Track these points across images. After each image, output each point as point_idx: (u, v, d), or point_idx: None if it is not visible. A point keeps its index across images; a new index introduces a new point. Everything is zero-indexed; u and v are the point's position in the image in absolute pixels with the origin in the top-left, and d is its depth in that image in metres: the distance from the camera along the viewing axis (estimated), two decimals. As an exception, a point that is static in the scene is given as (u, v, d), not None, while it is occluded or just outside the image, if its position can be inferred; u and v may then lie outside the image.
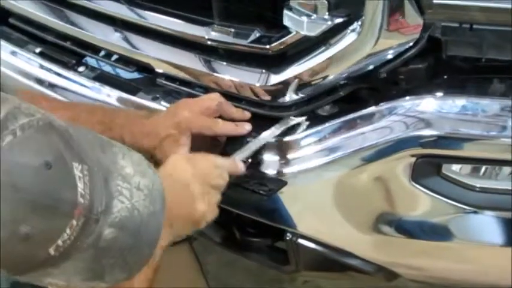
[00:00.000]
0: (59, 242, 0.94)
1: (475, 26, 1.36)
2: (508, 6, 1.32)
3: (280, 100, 1.53)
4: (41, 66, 1.86)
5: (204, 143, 1.50)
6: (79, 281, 1.04)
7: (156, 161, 1.44)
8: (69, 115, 1.48)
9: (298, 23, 1.42)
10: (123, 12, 1.68)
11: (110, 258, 1.03)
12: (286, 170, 1.53)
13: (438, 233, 1.51)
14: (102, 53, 1.80)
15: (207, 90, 1.63)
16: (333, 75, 1.47)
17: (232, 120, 1.53)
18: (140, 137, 1.46)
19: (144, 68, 1.74)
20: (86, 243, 0.98)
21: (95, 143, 1.05)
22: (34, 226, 0.91)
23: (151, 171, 1.12)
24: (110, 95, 1.75)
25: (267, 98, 1.53)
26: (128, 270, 1.10)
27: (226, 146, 1.54)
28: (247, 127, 1.52)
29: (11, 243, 0.91)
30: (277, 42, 1.48)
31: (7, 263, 0.94)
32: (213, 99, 1.52)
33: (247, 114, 1.55)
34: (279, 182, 1.51)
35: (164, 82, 1.70)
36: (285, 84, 1.50)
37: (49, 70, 1.84)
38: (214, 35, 1.55)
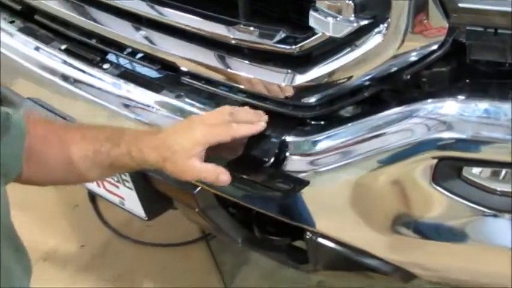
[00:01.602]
0: None
1: (499, 31, 1.36)
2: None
3: (305, 100, 1.53)
4: (66, 63, 1.86)
5: (225, 149, 1.51)
6: None
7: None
8: (79, 134, 1.53)
9: (324, 24, 1.42)
10: (149, 10, 1.68)
11: None
12: (308, 170, 1.53)
13: (457, 235, 1.51)
14: (127, 50, 1.81)
15: (230, 89, 1.64)
16: (357, 76, 1.47)
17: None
18: (148, 152, 1.47)
19: (168, 66, 1.74)
20: None
21: None
22: None
23: None
24: (133, 93, 1.76)
25: (292, 97, 1.54)
26: None
27: (248, 147, 1.55)
28: (263, 123, 1.52)
29: None
30: (303, 43, 1.48)
31: None
32: (225, 110, 1.53)
33: (262, 113, 1.55)
34: (301, 181, 1.52)
35: (188, 80, 1.70)
36: (310, 84, 1.50)
37: (74, 67, 1.85)
38: (239, 34, 1.56)
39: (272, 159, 1.54)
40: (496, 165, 1.44)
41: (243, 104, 1.60)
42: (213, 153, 1.47)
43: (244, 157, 1.54)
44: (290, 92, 1.53)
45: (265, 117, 1.53)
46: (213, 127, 1.47)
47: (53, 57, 1.89)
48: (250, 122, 1.52)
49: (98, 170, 1.55)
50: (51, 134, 1.53)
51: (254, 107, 1.58)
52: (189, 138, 1.45)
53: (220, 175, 1.45)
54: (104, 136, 1.52)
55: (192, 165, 1.44)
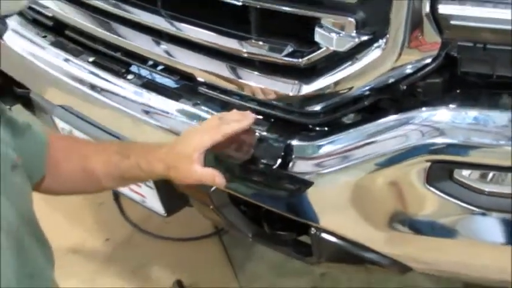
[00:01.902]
0: None
1: (488, 46, 1.35)
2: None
3: (310, 108, 1.53)
4: (94, 74, 1.87)
5: (235, 152, 1.53)
6: None
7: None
8: (93, 148, 1.58)
9: (328, 40, 1.43)
10: (168, 26, 1.69)
11: None
12: (313, 172, 1.53)
13: (448, 231, 1.50)
14: (149, 62, 1.81)
15: (242, 97, 1.64)
16: (358, 86, 1.47)
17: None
18: (155, 163, 1.48)
19: (186, 76, 1.74)
20: None
21: None
22: None
23: None
24: (154, 101, 1.76)
25: (298, 106, 1.54)
26: None
27: (256, 150, 1.55)
28: (250, 119, 1.51)
29: None
30: (309, 57, 1.48)
31: None
32: (214, 116, 1.56)
33: (249, 113, 1.53)
34: (306, 182, 1.53)
35: (205, 90, 1.71)
36: (315, 94, 1.51)
37: (100, 77, 1.85)
38: (251, 48, 1.56)
39: (279, 162, 1.54)
40: (484, 168, 1.43)
41: (255, 112, 1.59)
42: (225, 157, 1.48)
43: (254, 160, 1.54)
44: (297, 101, 1.54)
45: (253, 116, 1.52)
46: (205, 132, 1.48)
47: (81, 69, 1.89)
48: (237, 119, 1.51)
49: (111, 181, 1.57)
50: (69, 147, 1.56)
51: (264, 114, 1.58)
52: (187, 146, 1.46)
53: (216, 178, 1.45)
54: (114, 150, 1.54)
55: (194, 171, 1.45)
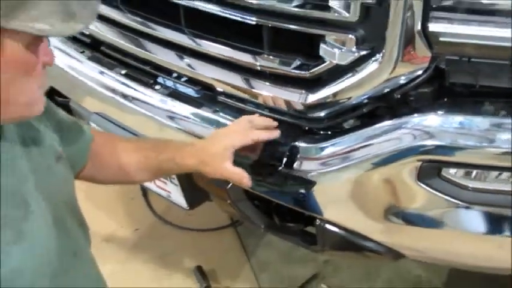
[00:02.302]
0: None
1: (472, 59, 1.36)
2: (498, 44, 1.33)
3: (315, 114, 1.53)
4: (125, 84, 1.87)
5: (248, 150, 1.52)
6: (58, 22, 1.04)
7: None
8: (133, 145, 1.58)
9: (331, 54, 1.43)
10: (190, 42, 1.69)
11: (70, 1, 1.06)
12: (317, 170, 1.54)
13: (437, 222, 1.50)
14: (174, 74, 1.82)
15: (256, 105, 1.65)
16: (357, 95, 1.47)
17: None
18: (188, 158, 1.49)
19: (206, 87, 1.74)
20: None
21: None
22: None
23: None
24: (178, 108, 1.76)
25: (305, 112, 1.54)
26: (87, 11, 1.10)
27: (265, 150, 1.55)
28: (278, 132, 1.53)
29: None
30: (314, 69, 1.49)
31: None
32: (244, 119, 1.55)
33: (275, 123, 1.55)
34: (310, 182, 1.54)
35: (223, 99, 1.71)
36: (319, 102, 1.51)
37: (131, 87, 1.86)
38: (263, 62, 1.56)
39: (287, 161, 1.55)
40: (468, 166, 1.43)
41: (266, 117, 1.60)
42: (240, 154, 1.49)
43: (264, 159, 1.55)
44: (303, 108, 1.54)
45: (275, 123, 1.55)
46: (236, 134, 1.49)
47: (114, 80, 1.90)
48: (266, 127, 1.53)
49: (146, 174, 1.57)
50: (111, 143, 1.57)
51: (274, 119, 1.58)
52: (219, 145, 1.47)
53: (243, 179, 1.46)
54: (152, 146, 1.55)
55: (225, 168, 1.45)
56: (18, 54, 1.04)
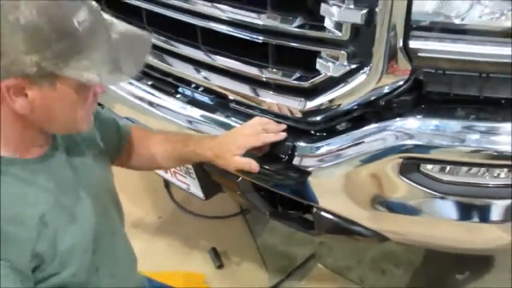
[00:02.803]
0: (79, 18, 0.98)
1: (446, 72, 1.36)
2: (468, 58, 1.33)
3: (313, 118, 1.53)
4: (151, 93, 1.88)
5: (257, 149, 1.53)
6: (105, 72, 1.03)
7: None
8: (162, 138, 1.59)
9: (326, 67, 1.43)
10: (206, 58, 1.69)
11: (120, 53, 1.05)
12: (314, 165, 1.54)
13: (416, 210, 1.50)
14: (192, 85, 1.82)
15: (262, 111, 1.64)
16: (348, 102, 1.47)
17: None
18: (207, 151, 1.50)
19: (220, 95, 1.74)
20: (99, 34, 1.02)
21: None
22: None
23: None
24: (196, 113, 1.77)
25: (304, 117, 1.54)
26: (132, 64, 1.10)
27: (271, 148, 1.56)
28: (284, 134, 1.54)
29: (50, 6, 0.94)
30: (311, 80, 1.49)
31: (51, 25, 0.95)
32: (259, 122, 1.56)
33: (283, 126, 1.56)
34: (307, 172, 1.54)
35: (234, 106, 1.71)
36: (316, 108, 1.51)
37: (156, 96, 1.86)
38: (268, 74, 1.56)
39: (289, 159, 1.55)
40: (443, 162, 1.43)
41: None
42: (249, 151, 1.50)
43: (270, 157, 1.55)
44: (302, 113, 1.54)
45: (283, 127, 1.56)
46: (249, 137, 1.51)
47: (142, 90, 1.90)
48: (275, 131, 1.54)
49: (171, 162, 1.60)
50: (145, 136, 1.59)
51: (278, 123, 1.58)
52: (233, 144, 1.49)
53: (251, 164, 1.49)
54: (178, 139, 1.56)
55: (235, 160, 1.48)
56: (69, 94, 1.05)
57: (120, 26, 1.09)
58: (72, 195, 1.20)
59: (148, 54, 1.18)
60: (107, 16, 1.12)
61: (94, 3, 1.05)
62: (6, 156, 1.09)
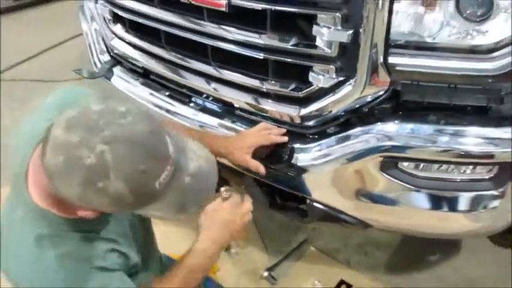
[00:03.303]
0: (161, 179, 0.94)
1: (420, 83, 1.36)
2: (438, 72, 1.33)
3: (306, 123, 1.54)
4: (168, 102, 1.87)
5: (261, 148, 1.52)
6: (171, 212, 1.03)
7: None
8: (184, 130, 1.54)
9: (318, 80, 1.44)
10: (215, 72, 1.68)
11: (189, 196, 1.03)
12: (307, 163, 1.54)
13: (394, 201, 1.51)
14: (204, 95, 1.81)
15: (263, 117, 1.64)
16: (336, 109, 1.47)
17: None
18: (221, 147, 1.48)
19: (227, 104, 1.74)
20: (175, 184, 0.98)
21: (177, 134, 1.06)
22: (148, 165, 0.92)
23: (206, 149, 1.13)
24: (206, 119, 1.76)
25: (299, 122, 1.54)
26: (197, 205, 1.10)
27: (274, 149, 1.55)
28: (286, 137, 1.54)
29: (135, 175, 0.91)
30: (305, 91, 1.49)
31: (135, 194, 0.93)
32: (265, 126, 1.56)
33: (284, 130, 1.56)
34: (302, 169, 1.54)
35: (240, 112, 1.71)
36: (309, 114, 1.51)
37: (173, 104, 1.85)
38: (268, 86, 1.56)
39: (287, 158, 1.55)
40: (417, 160, 1.43)
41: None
42: (256, 150, 1.50)
43: (271, 157, 1.55)
44: (298, 119, 1.54)
45: (284, 131, 1.55)
46: (258, 136, 1.51)
47: (160, 99, 1.89)
48: (278, 134, 1.54)
49: None
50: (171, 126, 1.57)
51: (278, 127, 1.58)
52: (245, 143, 1.49)
53: (259, 168, 1.48)
54: (197, 134, 1.53)
55: (245, 159, 1.47)
56: None
57: (192, 167, 1.03)
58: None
59: (213, 193, 1.14)
60: (191, 148, 1.08)
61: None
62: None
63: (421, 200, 1.48)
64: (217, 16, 1.55)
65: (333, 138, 1.50)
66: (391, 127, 1.42)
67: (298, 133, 1.56)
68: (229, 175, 1.77)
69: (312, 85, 1.46)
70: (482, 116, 1.38)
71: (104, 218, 1.12)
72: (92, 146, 0.89)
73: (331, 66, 1.40)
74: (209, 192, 1.11)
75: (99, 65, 2.14)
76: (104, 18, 2.06)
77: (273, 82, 1.55)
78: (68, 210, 1.03)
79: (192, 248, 1.28)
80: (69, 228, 1.06)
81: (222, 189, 1.31)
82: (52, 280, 1.04)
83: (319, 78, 1.43)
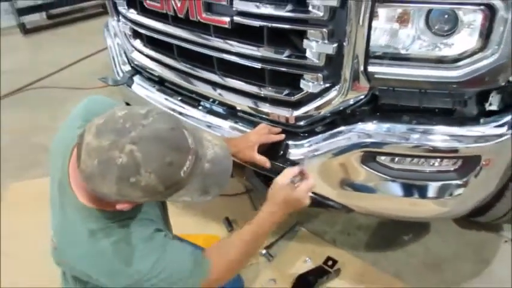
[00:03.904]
0: (185, 168, 0.94)
1: (396, 89, 1.36)
2: (410, 79, 1.32)
3: (298, 123, 1.53)
4: (180, 106, 1.86)
5: (262, 145, 1.51)
6: (196, 196, 1.03)
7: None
8: None
9: (307, 86, 1.43)
10: (219, 80, 1.67)
11: (209, 180, 1.03)
12: (299, 157, 1.53)
13: (373, 189, 1.50)
14: (211, 99, 1.80)
15: (261, 118, 1.63)
16: (323, 111, 1.46)
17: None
18: (231, 147, 1.43)
19: (231, 107, 1.73)
20: (197, 171, 0.98)
21: (194, 128, 1.08)
22: (173, 157, 0.92)
23: (220, 138, 1.15)
24: (213, 120, 1.74)
25: (292, 122, 1.53)
26: (218, 187, 1.08)
27: (272, 146, 1.54)
28: (283, 136, 1.53)
29: (163, 167, 0.91)
30: (297, 96, 1.48)
31: (164, 184, 0.93)
32: (264, 127, 1.54)
33: (279, 129, 1.55)
34: (295, 162, 1.52)
35: (241, 114, 1.70)
36: (301, 115, 1.50)
37: (184, 108, 1.84)
38: (266, 91, 1.55)
39: (282, 153, 1.54)
40: (392, 155, 1.43)
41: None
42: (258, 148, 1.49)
43: (269, 151, 1.54)
44: (291, 120, 1.53)
45: (279, 129, 1.54)
46: (260, 135, 1.50)
47: (173, 103, 1.88)
48: (276, 133, 1.53)
49: None
50: None
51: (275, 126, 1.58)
52: (249, 141, 1.48)
53: (266, 163, 1.47)
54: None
55: (253, 155, 1.46)
56: None
57: (209, 154, 1.03)
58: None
59: (229, 177, 1.13)
60: (206, 138, 1.07)
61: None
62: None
63: (396, 188, 1.47)
64: (221, 32, 1.54)
65: (321, 136, 1.49)
66: (370, 126, 1.41)
67: (291, 132, 1.56)
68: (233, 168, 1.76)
69: (303, 91, 1.46)
70: (448, 116, 1.38)
71: (140, 207, 1.12)
72: (121, 146, 0.89)
73: (319, 75, 1.39)
74: (226, 174, 1.10)
75: (121, 74, 2.13)
76: (125, 34, 2.06)
77: (269, 88, 1.54)
78: (108, 205, 1.03)
79: (259, 212, 1.29)
80: (114, 220, 1.06)
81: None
82: (114, 265, 1.04)
83: (309, 84, 1.42)
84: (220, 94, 1.72)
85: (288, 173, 1.32)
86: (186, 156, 0.94)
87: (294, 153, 1.52)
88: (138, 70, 2.10)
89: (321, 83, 1.40)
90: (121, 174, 0.90)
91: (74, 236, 1.07)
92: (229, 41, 1.53)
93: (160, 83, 2.00)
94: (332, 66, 1.37)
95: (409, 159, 1.42)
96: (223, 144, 1.11)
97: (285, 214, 1.29)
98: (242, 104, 1.65)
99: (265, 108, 1.58)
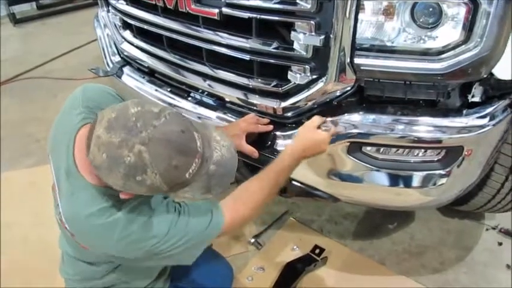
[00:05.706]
0: (190, 170, 0.95)
1: (381, 80, 1.36)
2: (394, 71, 1.32)
3: (286, 114, 1.52)
4: (170, 97, 1.84)
5: (250, 135, 1.51)
6: (199, 194, 1.04)
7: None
8: None
9: (295, 78, 1.43)
10: (209, 71, 1.66)
11: (213, 180, 1.05)
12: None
13: (359, 179, 1.50)
14: (200, 90, 1.79)
15: (250, 109, 1.62)
16: (310, 103, 1.46)
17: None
18: None
19: (220, 98, 1.72)
20: (202, 173, 1.00)
21: (204, 127, 1.07)
22: (180, 161, 0.93)
23: (229, 138, 1.14)
24: (203, 111, 1.73)
25: (280, 113, 1.53)
26: (221, 187, 1.10)
27: (260, 136, 1.54)
28: (271, 126, 1.53)
29: (169, 170, 0.92)
30: (284, 87, 1.48)
31: (168, 184, 0.94)
32: (252, 116, 1.54)
33: (268, 120, 1.55)
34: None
35: (230, 105, 1.69)
36: (288, 106, 1.50)
37: (174, 99, 1.83)
38: (254, 83, 1.54)
39: (270, 143, 1.54)
40: (378, 145, 1.43)
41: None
42: (245, 137, 1.49)
43: (257, 140, 1.54)
44: (279, 111, 1.53)
45: (268, 120, 1.55)
46: (248, 124, 1.50)
47: (163, 94, 1.87)
48: (264, 123, 1.53)
49: None
50: None
51: (262, 117, 1.58)
52: (237, 129, 1.48)
53: (254, 153, 1.48)
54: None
55: (241, 144, 1.47)
56: None
57: (216, 156, 1.04)
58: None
59: (233, 179, 1.14)
60: (215, 138, 1.08)
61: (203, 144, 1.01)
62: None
63: (381, 178, 1.48)
64: (211, 24, 1.53)
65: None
66: (356, 117, 1.41)
67: (279, 122, 1.56)
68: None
69: (290, 82, 1.45)
70: (432, 108, 1.38)
71: None
72: (131, 146, 0.90)
73: (307, 66, 1.39)
74: (230, 177, 1.12)
75: (111, 65, 2.11)
76: (115, 25, 2.04)
77: (258, 80, 1.53)
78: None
79: (284, 150, 1.35)
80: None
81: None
82: (130, 232, 1.05)
83: (297, 76, 1.42)
84: (209, 85, 1.71)
85: (316, 118, 1.39)
86: (192, 160, 0.96)
87: (282, 143, 1.53)
88: (128, 61, 2.08)
89: (308, 74, 1.40)
90: (128, 172, 0.91)
91: (88, 220, 1.06)
92: (218, 33, 1.53)
93: (150, 74, 1.99)
94: (319, 58, 1.37)
95: (394, 149, 1.43)
96: (231, 146, 1.12)
97: (302, 157, 1.34)
98: (231, 95, 1.64)
99: (254, 99, 1.58)
